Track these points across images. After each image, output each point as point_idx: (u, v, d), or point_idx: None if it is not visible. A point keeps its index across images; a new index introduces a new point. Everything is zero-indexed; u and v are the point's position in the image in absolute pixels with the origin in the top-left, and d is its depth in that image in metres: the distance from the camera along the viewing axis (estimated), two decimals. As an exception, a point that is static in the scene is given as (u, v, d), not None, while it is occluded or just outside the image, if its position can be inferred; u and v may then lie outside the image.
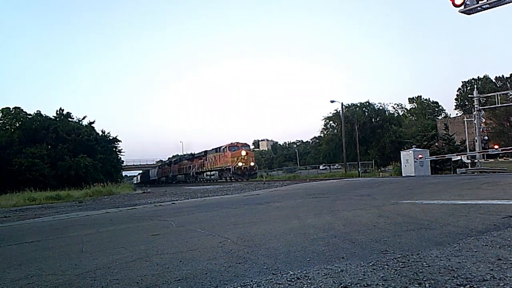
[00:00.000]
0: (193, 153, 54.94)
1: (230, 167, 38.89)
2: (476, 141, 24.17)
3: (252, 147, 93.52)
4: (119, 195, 25.51)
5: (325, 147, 59.55)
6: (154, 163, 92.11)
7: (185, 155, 59.33)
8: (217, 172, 43.59)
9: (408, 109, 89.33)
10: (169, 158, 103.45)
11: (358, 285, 2.69)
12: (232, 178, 38.95)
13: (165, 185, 56.94)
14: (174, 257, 4.12)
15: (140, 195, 24.57)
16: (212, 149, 46.18)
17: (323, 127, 61.68)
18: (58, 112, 51.04)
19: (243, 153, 39.69)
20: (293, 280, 2.93)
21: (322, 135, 64.05)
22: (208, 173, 46.65)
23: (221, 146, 42.93)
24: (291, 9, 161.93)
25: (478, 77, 75.39)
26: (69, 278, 3.63)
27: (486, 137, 24.60)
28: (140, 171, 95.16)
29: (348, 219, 5.82)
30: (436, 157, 17.53)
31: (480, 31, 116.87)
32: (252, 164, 39.97)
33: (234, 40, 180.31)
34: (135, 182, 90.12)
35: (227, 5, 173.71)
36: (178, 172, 59.48)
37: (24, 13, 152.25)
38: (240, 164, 38.61)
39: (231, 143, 41.57)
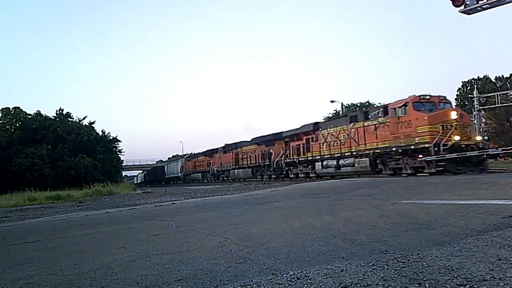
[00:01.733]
0: (273, 132, 32.19)
1: (430, 145, 16.55)
2: (476, 141, 24.14)
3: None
4: (119, 195, 25.53)
5: (325, 147, 59.42)
6: (154, 163, 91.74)
7: (257, 137, 34.97)
8: (367, 158, 20.66)
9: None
10: (169, 158, 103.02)
11: (358, 285, 2.69)
12: (439, 168, 16.54)
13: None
14: (174, 257, 4.12)
15: (140, 195, 24.59)
16: (335, 118, 25.49)
17: (323, 127, 61.66)
18: (58, 112, 50.95)
19: (453, 114, 17.24)
20: (293, 280, 2.93)
21: (322, 135, 63.99)
22: (330, 161, 23.34)
23: (383, 106, 20.95)
24: (291, 10, 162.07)
25: (478, 77, 75.32)
26: (69, 278, 3.63)
27: (486, 137, 24.61)
28: (140, 171, 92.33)
29: (348, 219, 5.82)
30: (436, 157, 17.48)
31: (480, 31, 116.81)
32: (478, 138, 18.54)
33: (233, 40, 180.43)
34: (136, 182, 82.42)
35: (226, 6, 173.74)
36: (235, 164, 37.31)
37: (24, 13, 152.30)
38: (456, 137, 16.58)
39: (420, 97, 18.12)
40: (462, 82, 78.25)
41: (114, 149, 54.69)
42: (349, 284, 2.72)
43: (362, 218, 5.79)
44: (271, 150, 31.02)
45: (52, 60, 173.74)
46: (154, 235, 5.83)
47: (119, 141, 55.47)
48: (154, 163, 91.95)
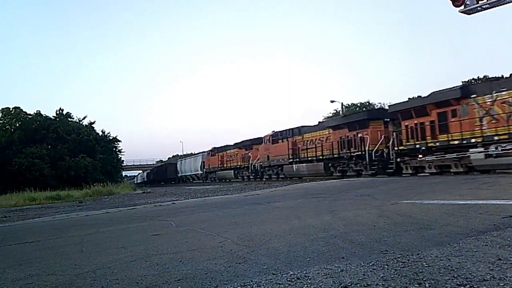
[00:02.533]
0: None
1: None
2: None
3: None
4: (119, 195, 25.52)
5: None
6: (154, 163, 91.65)
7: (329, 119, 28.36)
8: None
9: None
10: (169, 158, 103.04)
11: (358, 285, 2.69)
12: None
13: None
14: (174, 257, 4.12)
15: (140, 195, 24.58)
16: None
17: (323, 127, 61.49)
18: (58, 112, 51.00)
19: None
20: (293, 280, 2.93)
21: (322, 134, 63.81)
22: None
23: None
24: (291, 10, 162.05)
25: (478, 77, 75.29)
26: (69, 278, 3.63)
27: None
28: (141, 171, 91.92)
29: (348, 219, 5.82)
30: (436, 157, 17.41)
31: (480, 31, 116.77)
32: None
33: (233, 40, 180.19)
34: (136, 182, 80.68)
35: (226, 6, 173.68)
36: (292, 157, 27.00)
37: (24, 13, 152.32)
38: None
39: None
40: (462, 82, 78.23)
41: (114, 149, 54.72)
42: (349, 284, 2.72)
43: (362, 218, 5.79)
44: (361, 135, 21.23)
45: (52, 60, 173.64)
46: (154, 235, 5.83)
47: (119, 141, 55.56)
48: (154, 163, 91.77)
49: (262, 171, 32.09)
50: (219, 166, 41.35)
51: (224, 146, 42.15)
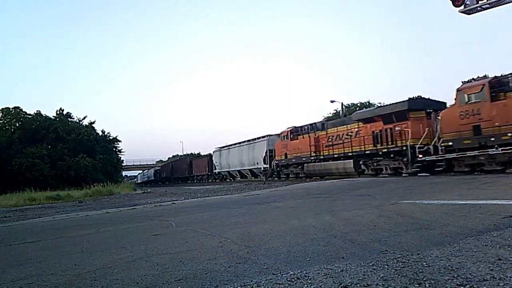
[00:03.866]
0: None
1: None
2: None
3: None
4: (119, 195, 25.53)
5: (326, 147, 58.75)
6: (154, 163, 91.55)
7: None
8: None
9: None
10: (169, 158, 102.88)
11: (358, 285, 2.69)
12: None
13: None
14: (174, 257, 4.12)
15: (140, 195, 24.59)
16: None
17: (323, 126, 61.19)
18: (58, 112, 51.03)
19: None
20: (293, 280, 2.93)
21: (322, 134, 63.48)
22: None
23: None
24: (291, 10, 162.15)
25: (478, 77, 75.40)
26: (69, 278, 3.63)
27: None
28: (141, 171, 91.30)
29: (348, 219, 5.82)
30: (435, 157, 17.44)
31: (480, 31, 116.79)
32: None
33: (233, 40, 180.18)
34: (137, 182, 79.14)
35: (226, 6, 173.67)
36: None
37: (25, 13, 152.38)
38: None
39: None
40: (462, 82, 78.17)
41: (114, 149, 54.74)
42: (349, 284, 2.72)
43: (362, 218, 5.79)
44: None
45: (52, 60, 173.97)
46: (154, 235, 5.83)
47: (119, 141, 55.56)
48: (154, 163, 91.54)
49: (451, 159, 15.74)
50: (314, 153, 24.38)
51: (321, 122, 26.47)
